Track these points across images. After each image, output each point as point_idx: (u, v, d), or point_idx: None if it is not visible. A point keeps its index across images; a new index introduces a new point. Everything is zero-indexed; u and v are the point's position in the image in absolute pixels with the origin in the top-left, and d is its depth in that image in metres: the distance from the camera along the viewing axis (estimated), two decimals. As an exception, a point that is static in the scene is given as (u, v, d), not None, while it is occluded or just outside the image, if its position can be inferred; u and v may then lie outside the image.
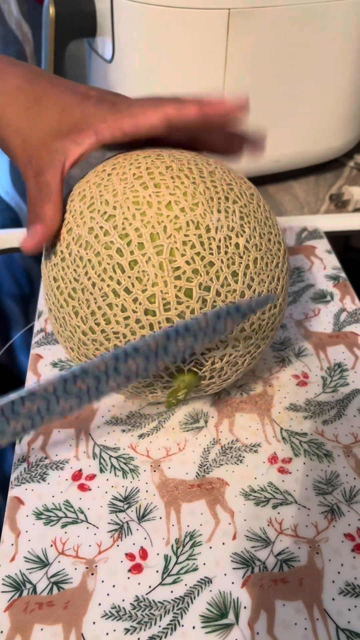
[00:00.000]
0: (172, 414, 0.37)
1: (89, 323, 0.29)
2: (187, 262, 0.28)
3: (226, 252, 0.29)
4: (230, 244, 0.29)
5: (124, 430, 0.36)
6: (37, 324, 0.44)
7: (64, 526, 0.31)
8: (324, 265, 0.50)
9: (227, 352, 0.30)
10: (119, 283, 0.28)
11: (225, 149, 0.35)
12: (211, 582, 0.29)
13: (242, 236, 0.29)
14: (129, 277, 0.28)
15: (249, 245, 0.29)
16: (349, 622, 0.27)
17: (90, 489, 0.33)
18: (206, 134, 0.34)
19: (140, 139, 0.31)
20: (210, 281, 0.28)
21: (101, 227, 0.29)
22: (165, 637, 0.27)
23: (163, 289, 0.28)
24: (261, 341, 0.32)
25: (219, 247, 0.29)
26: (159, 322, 0.28)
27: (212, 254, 0.28)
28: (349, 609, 0.28)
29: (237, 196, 0.30)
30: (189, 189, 0.29)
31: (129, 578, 0.29)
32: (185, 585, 0.29)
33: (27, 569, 0.29)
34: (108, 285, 0.28)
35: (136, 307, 0.28)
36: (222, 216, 0.29)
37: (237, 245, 0.29)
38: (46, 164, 0.30)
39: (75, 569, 0.29)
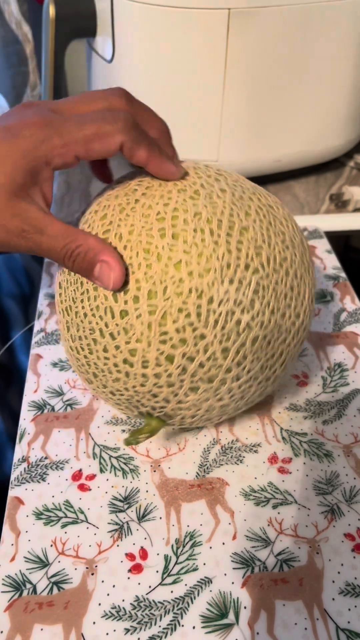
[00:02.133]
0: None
1: (76, 343, 0.29)
2: (177, 330, 0.27)
3: (223, 327, 0.27)
4: (231, 319, 0.27)
5: (124, 430, 0.36)
6: (37, 324, 0.44)
7: (64, 526, 0.31)
8: (324, 265, 0.50)
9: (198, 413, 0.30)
10: (106, 326, 0.28)
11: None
12: (211, 582, 0.29)
13: (248, 312, 0.27)
14: (117, 324, 0.27)
15: (253, 322, 0.27)
16: (349, 622, 0.27)
17: (90, 489, 0.33)
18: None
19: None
20: (196, 353, 0.27)
21: None
22: (165, 637, 0.27)
23: (145, 348, 0.27)
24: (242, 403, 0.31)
25: (216, 321, 0.27)
26: (135, 374, 0.28)
27: (206, 327, 0.27)
28: (349, 609, 0.28)
29: (262, 264, 0.28)
30: (206, 250, 0.27)
31: (129, 578, 0.29)
32: (185, 585, 0.29)
33: (27, 569, 0.29)
34: (97, 323, 0.28)
35: (116, 354, 0.28)
36: (233, 288, 0.27)
37: (238, 322, 0.27)
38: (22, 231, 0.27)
39: (75, 569, 0.29)
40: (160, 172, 0.29)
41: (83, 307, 0.28)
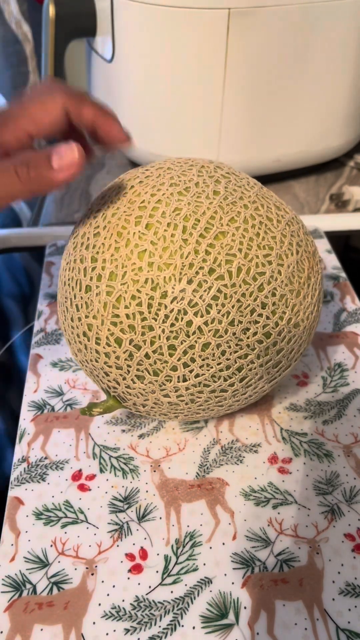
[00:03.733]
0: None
1: (60, 308, 0.31)
2: (127, 316, 0.27)
3: (172, 325, 0.27)
4: (181, 318, 0.27)
5: (124, 430, 0.36)
6: (37, 324, 0.44)
7: (63, 526, 0.31)
8: (324, 265, 0.50)
9: (150, 397, 0.30)
10: (74, 297, 0.29)
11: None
12: (211, 582, 0.29)
13: (202, 317, 0.27)
14: (82, 297, 0.29)
15: (206, 328, 0.27)
16: (349, 622, 0.27)
17: (90, 489, 0.33)
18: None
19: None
20: (143, 343, 0.27)
21: (88, 239, 0.29)
22: (165, 637, 0.27)
23: (99, 326, 0.28)
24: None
25: (166, 316, 0.27)
26: (90, 349, 0.29)
27: (155, 319, 0.27)
28: (349, 609, 0.28)
29: (230, 272, 0.27)
30: (173, 245, 0.27)
31: (129, 578, 0.29)
32: (185, 585, 0.29)
33: (27, 569, 0.29)
34: (69, 293, 0.30)
35: (78, 325, 0.29)
36: (190, 288, 0.27)
37: (188, 323, 0.27)
38: None
39: (75, 569, 0.29)
40: (111, 131, 0.29)
41: (64, 276, 0.30)
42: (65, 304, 0.30)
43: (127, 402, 0.31)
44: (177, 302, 0.27)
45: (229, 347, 0.28)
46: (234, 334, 0.27)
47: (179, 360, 0.27)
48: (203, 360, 0.28)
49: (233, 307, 0.27)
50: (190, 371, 0.28)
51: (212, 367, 0.28)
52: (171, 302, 0.27)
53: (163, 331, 0.27)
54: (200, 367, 0.28)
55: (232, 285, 0.27)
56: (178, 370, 0.28)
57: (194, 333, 0.27)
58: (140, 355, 0.28)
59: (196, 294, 0.27)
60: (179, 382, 0.28)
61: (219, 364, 0.28)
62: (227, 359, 0.28)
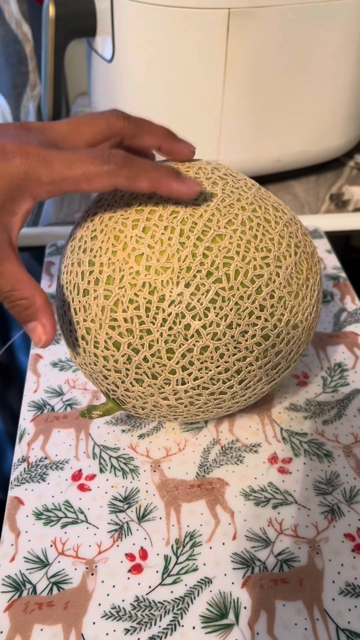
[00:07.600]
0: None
1: (58, 311, 0.31)
2: (125, 320, 0.27)
3: (170, 328, 0.27)
4: (179, 322, 0.27)
5: (124, 430, 0.36)
6: (37, 324, 0.44)
7: (63, 526, 0.31)
8: (324, 265, 0.50)
9: (149, 400, 0.30)
10: (72, 301, 0.29)
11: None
12: (211, 582, 0.29)
13: (200, 320, 0.27)
14: (79, 301, 0.29)
15: (205, 331, 0.27)
16: (349, 622, 0.27)
17: (90, 489, 0.33)
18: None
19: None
20: (141, 346, 0.27)
21: (85, 242, 0.29)
22: (165, 637, 0.27)
23: (97, 329, 0.28)
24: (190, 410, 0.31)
25: (164, 320, 0.27)
26: (89, 353, 0.29)
27: (153, 323, 0.27)
28: (349, 609, 0.28)
29: (227, 275, 0.27)
30: (170, 249, 0.27)
31: (128, 578, 0.29)
32: (185, 585, 0.29)
33: (27, 569, 0.29)
34: (67, 296, 0.30)
35: (77, 329, 0.29)
36: (188, 292, 0.26)
37: (186, 327, 0.27)
38: None
39: (75, 569, 0.29)
40: (173, 194, 0.27)
41: (63, 279, 0.30)
42: (63, 307, 0.30)
43: (127, 405, 0.31)
44: (175, 306, 0.27)
45: (228, 350, 0.28)
46: (232, 336, 0.27)
47: (177, 363, 0.27)
48: (201, 363, 0.27)
49: (231, 310, 0.27)
50: (189, 374, 0.28)
51: (210, 370, 0.28)
52: (169, 305, 0.27)
53: (161, 335, 0.27)
54: (198, 370, 0.28)
55: (230, 288, 0.27)
56: (177, 374, 0.28)
57: (192, 336, 0.27)
58: (139, 358, 0.28)
59: (194, 297, 0.27)
60: (177, 385, 0.28)
61: (217, 367, 0.28)
62: (226, 362, 0.28)
